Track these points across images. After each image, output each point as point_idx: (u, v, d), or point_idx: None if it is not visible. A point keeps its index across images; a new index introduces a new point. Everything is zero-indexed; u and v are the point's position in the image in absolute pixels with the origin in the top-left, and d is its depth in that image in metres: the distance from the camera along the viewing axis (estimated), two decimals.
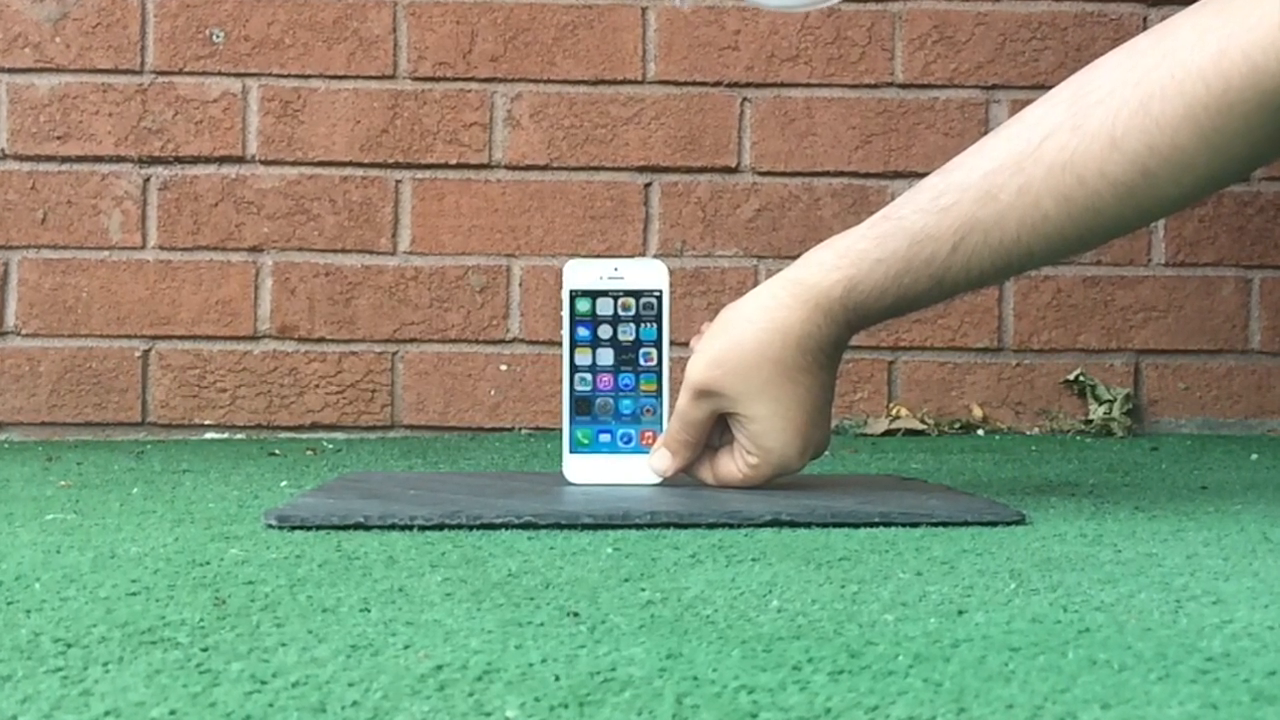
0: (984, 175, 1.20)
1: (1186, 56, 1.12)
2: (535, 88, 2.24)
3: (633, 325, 1.34)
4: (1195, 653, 0.72)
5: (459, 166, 2.24)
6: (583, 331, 1.35)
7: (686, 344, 1.33)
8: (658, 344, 1.34)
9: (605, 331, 1.35)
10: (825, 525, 1.16)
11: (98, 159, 2.21)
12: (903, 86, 2.27)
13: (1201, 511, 1.26)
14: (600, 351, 1.34)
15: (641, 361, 1.35)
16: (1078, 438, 2.21)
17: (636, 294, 1.35)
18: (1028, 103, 1.23)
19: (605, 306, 1.35)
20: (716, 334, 1.27)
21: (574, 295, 1.35)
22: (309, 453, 1.93)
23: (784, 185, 2.26)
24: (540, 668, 0.69)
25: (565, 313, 1.35)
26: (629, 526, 1.14)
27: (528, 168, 2.24)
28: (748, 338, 1.25)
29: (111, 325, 2.20)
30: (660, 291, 1.34)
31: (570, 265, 1.35)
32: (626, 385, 1.34)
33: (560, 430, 1.37)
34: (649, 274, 1.35)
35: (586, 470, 1.33)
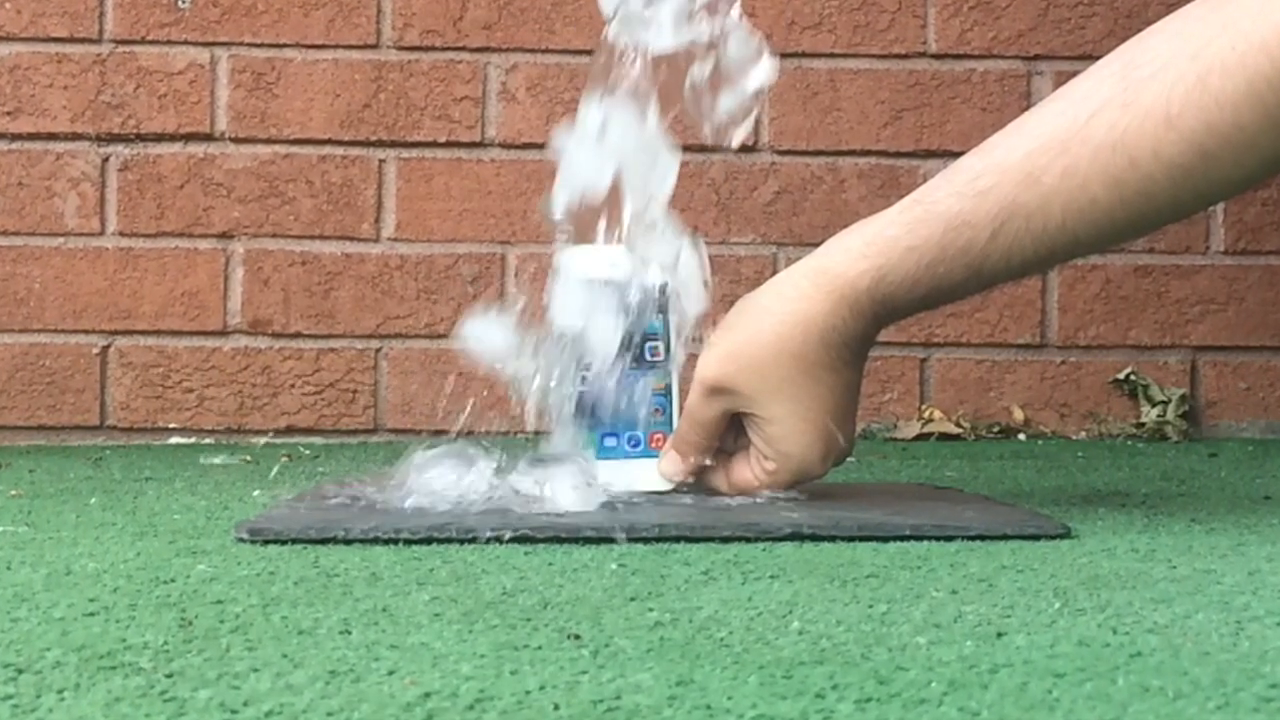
0: (1026, 155, 1.20)
1: (1249, 26, 1.12)
2: (532, 58, 2.24)
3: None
4: (1258, 679, 0.72)
5: (448, 145, 2.24)
6: None
7: (702, 340, 1.33)
8: (665, 337, 1.34)
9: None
10: (851, 539, 1.16)
11: (51, 136, 2.21)
12: (936, 57, 2.27)
13: (1264, 524, 1.26)
14: None
15: (648, 357, 1.34)
16: (1128, 443, 2.21)
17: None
18: (1073, 75, 1.23)
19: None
20: (731, 326, 1.27)
21: None
22: (284, 459, 1.93)
23: (805, 165, 2.26)
24: (538, 695, 0.70)
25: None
26: (635, 540, 1.14)
27: (524, 146, 2.24)
28: (766, 331, 1.25)
29: (67, 319, 2.20)
30: (668, 281, 1.34)
31: (568, 253, 1.35)
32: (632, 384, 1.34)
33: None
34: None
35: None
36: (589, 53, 2.24)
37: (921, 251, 1.22)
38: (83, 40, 2.22)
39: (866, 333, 1.26)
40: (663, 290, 1.34)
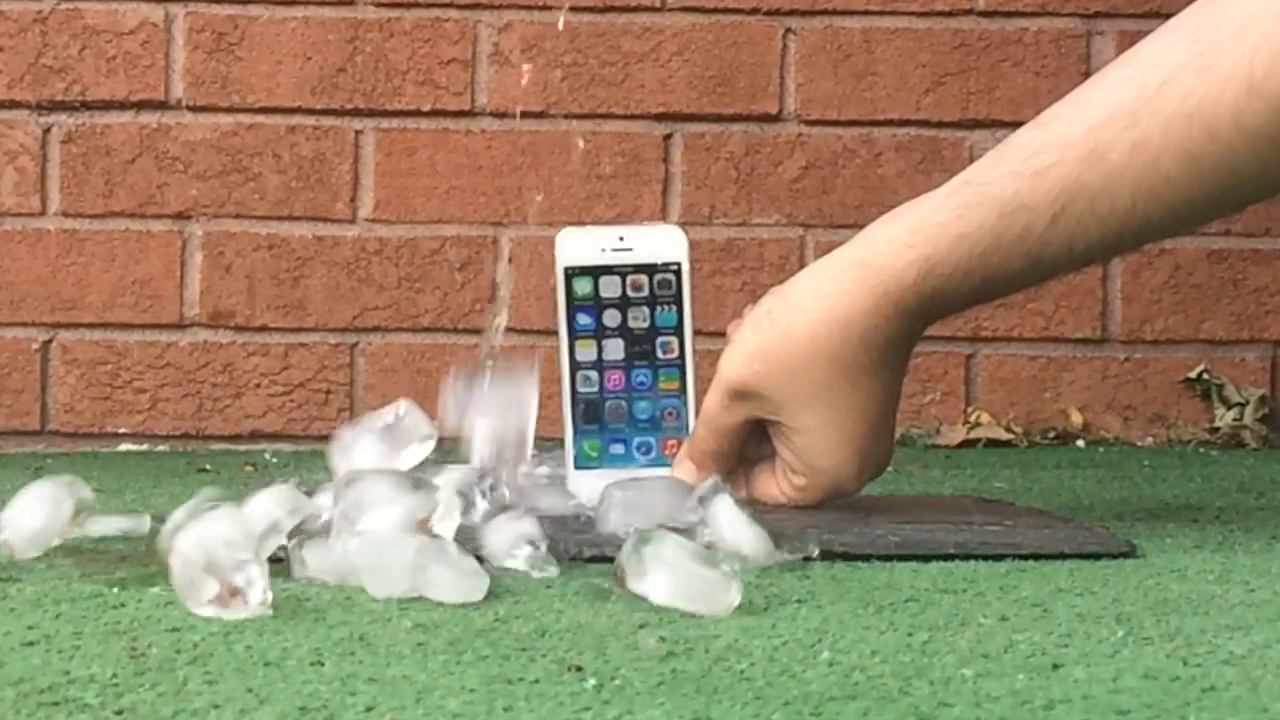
0: (1089, 129, 1.19)
1: None
2: (528, 16, 2.24)
3: (646, 309, 1.34)
4: None
5: (434, 114, 2.24)
6: (584, 319, 1.34)
7: (723, 334, 1.32)
8: (678, 331, 1.34)
9: (612, 318, 1.34)
10: (888, 558, 1.16)
11: None
12: (984, 15, 2.27)
13: None
14: (608, 343, 1.34)
15: (659, 354, 1.34)
16: (1201, 450, 2.20)
17: (649, 269, 1.34)
18: (1139, 36, 1.23)
19: (611, 287, 1.35)
20: (760, 322, 1.27)
21: (570, 274, 1.34)
22: (248, 469, 1.93)
23: (837, 137, 2.25)
24: None
25: (560, 297, 1.35)
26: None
27: (519, 116, 2.24)
28: (799, 329, 1.25)
29: (3, 311, 2.21)
30: (678, 265, 1.34)
31: (564, 236, 1.35)
32: (642, 384, 1.34)
33: (561, 440, 1.37)
34: (663, 243, 1.35)
35: (596, 489, 1.33)
36: (591, 10, 2.24)
37: (974, 239, 1.22)
38: None
39: (911, 332, 1.26)
40: (676, 274, 1.34)
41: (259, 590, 0.96)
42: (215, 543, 0.99)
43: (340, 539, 1.06)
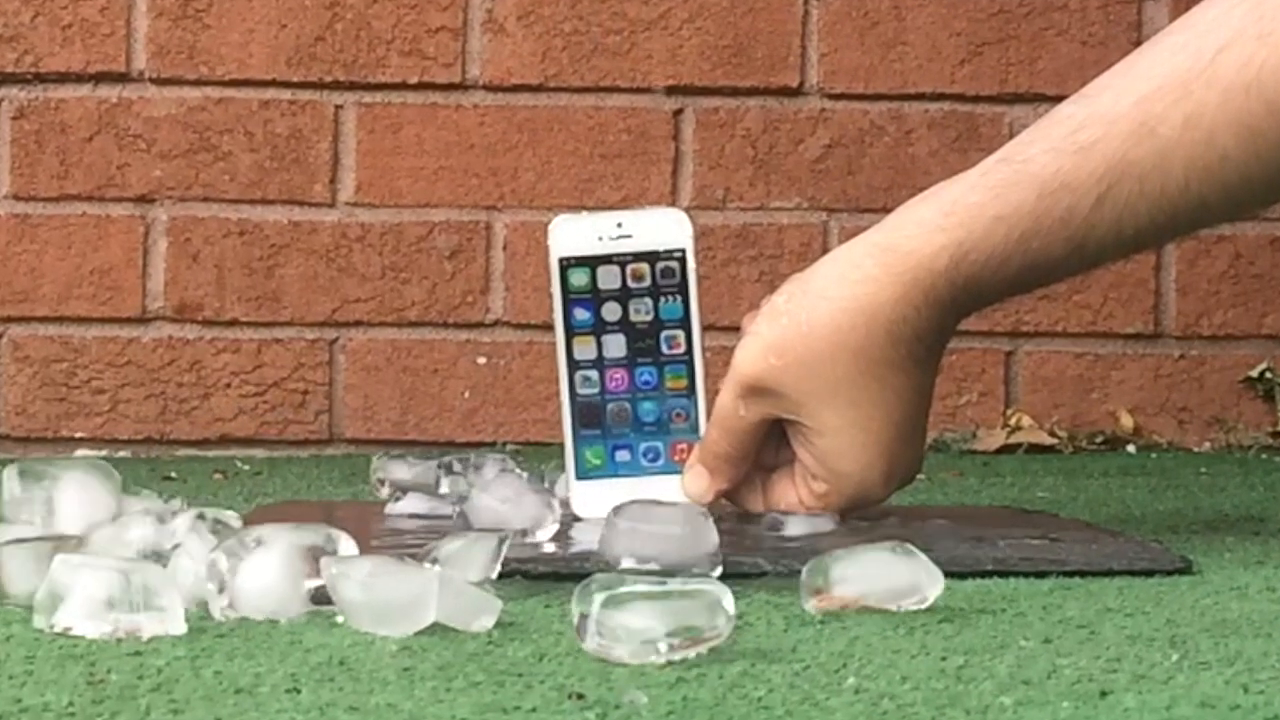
0: (1138, 102, 1.19)
1: None
2: None
3: (649, 300, 1.34)
4: None
5: (421, 87, 2.24)
6: (581, 314, 1.34)
7: (738, 329, 1.32)
8: (685, 323, 1.34)
9: (612, 312, 1.34)
10: None
11: None
12: None
13: None
14: (608, 339, 1.34)
15: (665, 349, 1.34)
16: (1263, 456, 2.20)
17: (650, 257, 1.34)
18: (1194, 0, 1.23)
19: (610, 277, 1.34)
20: (777, 313, 1.27)
21: (565, 264, 1.34)
22: (217, 476, 1.93)
23: (863, 112, 2.25)
24: None
25: (555, 289, 1.34)
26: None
27: (515, 89, 2.24)
28: (820, 320, 1.25)
29: None
30: (682, 251, 1.34)
31: (558, 224, 1.35)
32: (647, 383, 1.34)
33: (561, 446, 1.37)
34: (664, 228, 1.34)
35: (599, 500, 1.32)
36: None
37: (1011, 222, 1.22)
38: None
39: (943, 324, 1.26)
40: (681, 261, 1.34)
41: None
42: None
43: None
